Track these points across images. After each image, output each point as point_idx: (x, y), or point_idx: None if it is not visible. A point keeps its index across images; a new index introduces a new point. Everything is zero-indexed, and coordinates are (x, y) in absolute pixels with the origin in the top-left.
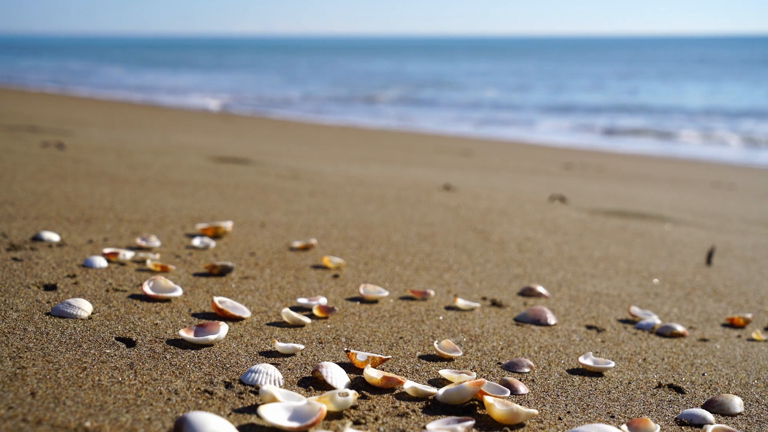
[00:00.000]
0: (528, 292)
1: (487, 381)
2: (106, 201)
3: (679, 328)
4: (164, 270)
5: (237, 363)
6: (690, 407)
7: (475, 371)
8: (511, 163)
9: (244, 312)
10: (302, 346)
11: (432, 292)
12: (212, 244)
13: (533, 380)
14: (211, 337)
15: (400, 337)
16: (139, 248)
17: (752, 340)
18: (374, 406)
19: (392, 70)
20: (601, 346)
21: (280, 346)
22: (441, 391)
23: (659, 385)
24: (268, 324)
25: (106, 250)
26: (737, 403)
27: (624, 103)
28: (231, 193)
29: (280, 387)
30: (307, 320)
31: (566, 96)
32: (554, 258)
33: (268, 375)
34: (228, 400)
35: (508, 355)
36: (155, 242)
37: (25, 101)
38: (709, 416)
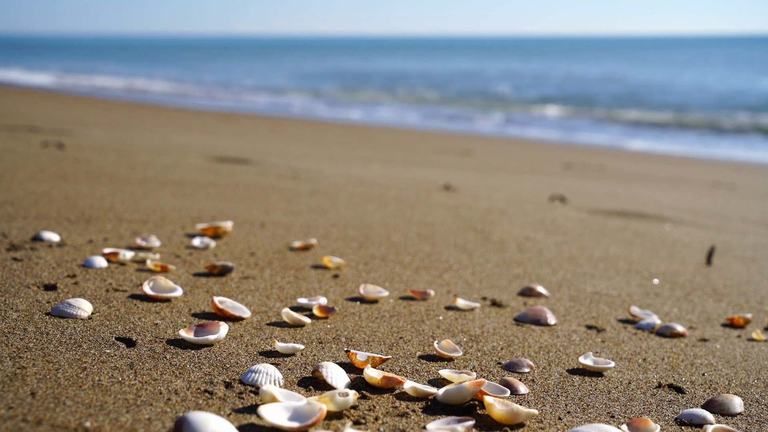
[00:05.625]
0: (528, 292)
1: (487, 381)
2: (106, 201)
3: (679, 328)
4: (164, 270)
5: (237, 363)
6: (690, 407)
7: (475, 371)
8: (511, 163)
9: (244, 312)
10: (302, 346)
11: (432, 292)
12: (212, 244)
13: (533, 380)
14: (211, 337)
15: (400, 337)
16: (139, 248)
17: (752, 340)
18: (374, 406)
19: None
20: (601, 346)
21: (280, 346)
22: (441, 391)
23: (659, 385)
24: (268, 324)
25: (106, 250)
26: (737, 403)
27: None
28: (231, 193)
29: (280, 387)
30: (307, 320)
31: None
32: (554, 258)
33: (268, 375)
34: (228, 400)
35: (508, 355)
36: (155, 242)
37: (25, 101)
38: (709, 416)
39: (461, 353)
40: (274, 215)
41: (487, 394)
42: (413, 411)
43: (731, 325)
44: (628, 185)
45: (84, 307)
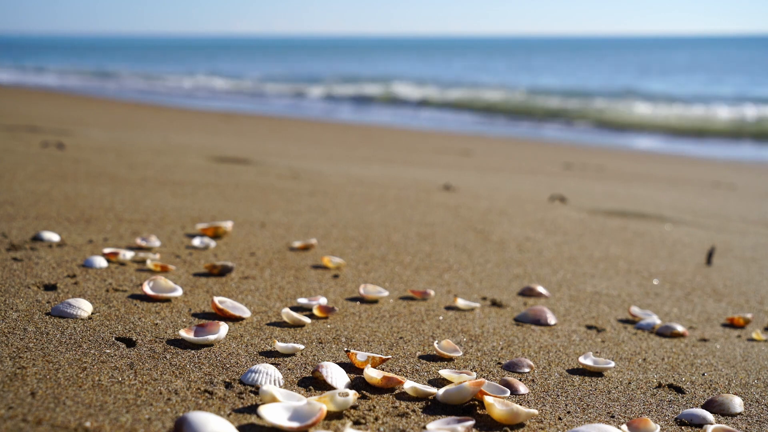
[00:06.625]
0: (528, 292)
1: (487, 381)
2: (106, 201)
3: (679, 328)
4: (164, 270)
5: (237, 363)
6: (690, 407)
7: (475, 371)
8: (511, 163)
9: (244, 312)
10: (302, 346)
11: (432, 292)
12: (212, 244)
13: (533, 380)
14: (211, 337)
15: (400, 337)
16: (139, 248)
17: (752, 340)
18: (374, 406)
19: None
20: (601, 346)
21: (280, 346)
22: (441, 391)
23: (659, 385)
24: (268, 324)
25: (106, 250)
26: (737, 403)
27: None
28: (231, 193)
29: (280, 387)
30: (307, 320)
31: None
32: (554, 258)
33: (268, 375)
34: (228, 400)
35: (508, 355)
36: (155, 242)
37: (25, 101)
38: (709, 416)
39: (461, 353)
40: (274, 215)
41: (487, 394)
42: (413, 411)
43: (731, 325)
44: (628, 185)
45: (84, 307)
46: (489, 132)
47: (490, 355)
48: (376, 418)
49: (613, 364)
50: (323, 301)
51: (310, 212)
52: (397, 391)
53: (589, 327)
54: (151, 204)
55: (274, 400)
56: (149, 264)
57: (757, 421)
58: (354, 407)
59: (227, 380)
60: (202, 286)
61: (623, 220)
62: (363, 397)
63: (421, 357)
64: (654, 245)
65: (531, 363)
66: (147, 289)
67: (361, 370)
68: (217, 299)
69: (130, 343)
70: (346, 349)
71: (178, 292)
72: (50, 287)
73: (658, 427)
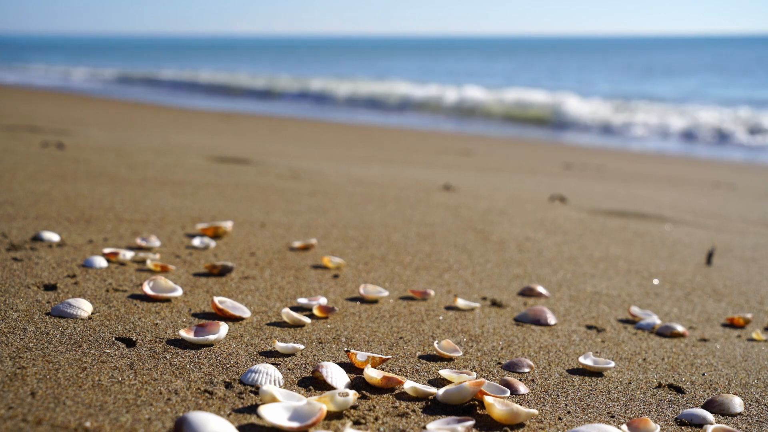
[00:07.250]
0: (528, 292)
1: (487, 381)
2: (106, 201)
3: (679, 328)
4: (164, 270)
5: (237, 363)
6: (690, 407)
7: (475, 371)
8: (511, 163)
9: (244, 312)
10: (302, 346)
11: (432, 292)
12: (212, 244)
13: (533, 380)
14: (211, 337)
15: (400, 337)
16: (139, 248)
17: (752, 340)
18: (374, 406)
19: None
20: (601, 346)
21: (280, 346)
22: (441, 391)
23: (659, 385)
24: (268, 324)
25: (106, 250)
26: (737, 403)
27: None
28: (231, 193)
29: (280, 387)
30: (307, 320)
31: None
32: (554, 258)
33: (268, 375)
34: (228, 400)
35: (508, 355)
36: (155, 242)
37: (25, 101)
38: (709, 416)
39: (461, 353)
40: (274, 215)
41: (487, 394)
42: (413, 411)
43: (731, 325)
44: (628, 185)
45: (84, 307)
46: (489, 132)
47: (490, 355)
48: (376, 418)
49: (613, 364)
50: (323, 301)
51: (310, 212)
52: (397, 391)
53: (589, 327)
54: (151, 204)
55: (274, 400)
56: (149, 264)
57: (757, 421)
58: (354, 407)
59: (227, 380)
60: (202, 286)
61: (623, 220)
62: (363, 397)
63: (421, 357)
64: (654, 245)
65: (531, 363)
66: (147, 289)
67: (361, 370)
68: (217, 299)
69: (130, 343)
70: (346, 349)
71: (178, 292)
72: (50, 287)
73: (658, 427)
